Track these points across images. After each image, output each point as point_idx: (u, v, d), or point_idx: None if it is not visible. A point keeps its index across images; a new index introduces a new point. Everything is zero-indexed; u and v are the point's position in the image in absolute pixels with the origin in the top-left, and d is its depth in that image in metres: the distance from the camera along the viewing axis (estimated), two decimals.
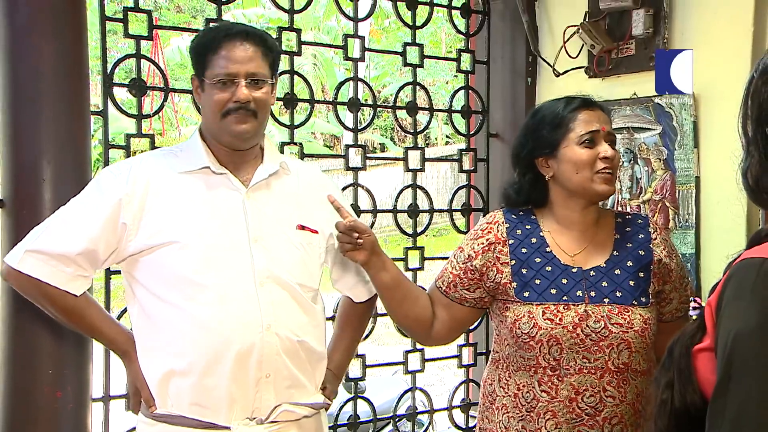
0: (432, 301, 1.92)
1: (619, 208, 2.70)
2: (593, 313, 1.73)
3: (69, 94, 2.11)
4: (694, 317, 1.09)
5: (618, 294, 1.76)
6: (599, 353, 1.72)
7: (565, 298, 1.76)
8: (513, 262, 1.82)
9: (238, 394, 1.70)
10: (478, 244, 1.86)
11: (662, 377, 1.06)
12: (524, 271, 1.80)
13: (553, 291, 1.77)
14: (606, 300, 1.75)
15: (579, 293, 1.76)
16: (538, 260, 1.81)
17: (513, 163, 1.91)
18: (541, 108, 1.89)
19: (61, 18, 2.09)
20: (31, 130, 2.05)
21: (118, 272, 2.33)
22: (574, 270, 1.79)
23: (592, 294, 1.76)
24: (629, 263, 1.79)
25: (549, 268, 1.80)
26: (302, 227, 1.83)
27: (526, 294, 1.79)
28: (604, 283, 1.77)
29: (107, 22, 2.34)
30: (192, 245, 1.70)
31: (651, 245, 1.81)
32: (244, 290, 1.71)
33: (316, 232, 1.85)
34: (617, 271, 1.78)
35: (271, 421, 1.74)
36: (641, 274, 1.78)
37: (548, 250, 1.82)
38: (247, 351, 1.69)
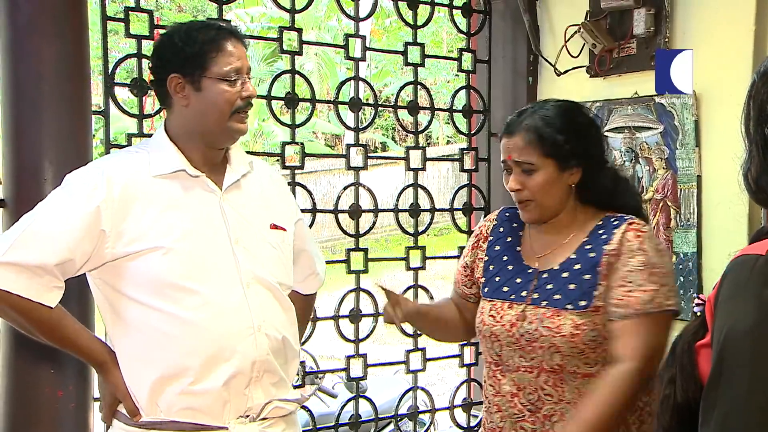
0: (453, 300, 2.02)
1: None
2: (530, 314, 1.76)
3: (70, 94, 2.11)
4: (699, 314, 1.10)
5: (556, 297, 1.74)
6: (533, 353, 1.74)
7: (512, 297, 1.81)
8: (486, 258, 1.91)
9: (232, 395, 1.70)
10: (471, 242, 1.98)
11: (665, 373, 1.07)
12: (491, 267, 1.89)
13: (505, 289, 1.83)
14: (544, 302, 1.75)
15: (524, 293, 1.79)
16: (505, 258, 1.88)
17: None
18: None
19: (62, 18, 2.09)
20: (33, 130, 2.06)
21: None
22: (530, 271, 1.81)
23: (535, 296, 1.77)
24: (577, 266, 1.75)
25: (510, 267, 1.85)
26: (275, 226, 1.83)
27: (486, 290, 1.87)
28: (550, 286, 1.76)
29: (108, 21, 2.35)
30: (176, 250, 1.67)
31: (605, 246, 1.73)
32: (233, 293, 1.71)
33: (285, 230, 1.86)
34: (565, 274, 1.76)
35: (263, 418, 1.75)
36: (586, 277, 1.73)
37: (517, 249, 1.87)
38: (242, 354, 1.69)
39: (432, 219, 3.00)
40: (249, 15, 15.26)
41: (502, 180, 3.07)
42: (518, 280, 1.82)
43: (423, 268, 2.93)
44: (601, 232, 1.78)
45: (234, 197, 1.78)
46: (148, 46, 2.27)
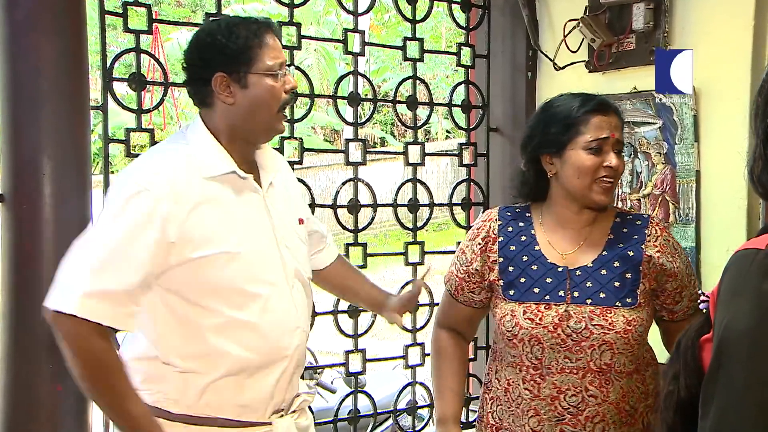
0: (444, 310, 2.00)
1: (619, 203, 2.70)
2: (574, 313, 1.73)
3: (68, 89, 2.11)
4: (704, 310, 1.10)
5: (601, 295, 1.74)
6: (581, 353, 1.72)
7: (547, 297, 1.76)
8: (501, 259, 1.84)
9: (277, 392, 1.73)
10: (476, 245, 1.89)
11: (669, 369, 1.07)
12: (510, 269, 1.82)
13: (536, 290, 1.78)
14: (588, 301, 1.74)
15: (561, 293, 1.76)
16: (525, 258, 1.82)
17: (521, 153, 1.90)
18: (554, 102, 1.83)
19: (61, 13, 2.09)
20: (31, 125, 2.05)
21: None
22: (560, 269, 1.78)
23: (575, 294, 1.75)
24: (616, 264, 1.77)
25: (535, 267, 1.80)
26: (301, 220, 1.86)
27: (511, 292, 1.81)
28: (589, 284, 1.76)
29: (107, 16, 2.34)
30: (239, 255, 1.65)
31: (643, 246, 1.78)
32: (284, 293, 1.73)
33: (303, 221, 1.89)
34: (603, 272, 1.77)
35: (292, 411, 1.79)
36: (628, 275, 1.75)
37: (536, 248, 1.82)
38: (289, 355, 1.73)
39: (431, 214, 3.00)
40: (245, 11, 15.23)
41: (500, 175, 3.08)
42: (548, 280, 1.78)
43: (422, 263, 2.93)
44: (625, 230, 1.81)
45: (272, 196, 1.79)
46: (146, 41, 2.26)
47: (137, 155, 2.40)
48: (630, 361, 1.75)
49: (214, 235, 1.63)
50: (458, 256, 1.93)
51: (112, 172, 2.20)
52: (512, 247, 1.84)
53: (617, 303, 1.73)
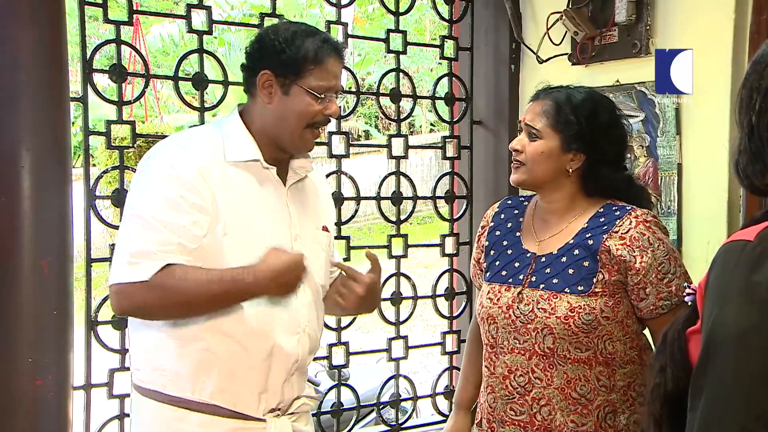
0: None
1: None
2: (526, 296, 1.80)
3: (48, 81, 2.09)
4: (690, 303, 1.10)
5: (554, 281, 1.78)
6: (527, 335, 1.78)
7: (510, 280, 1.85)
8: (486, 243, 1.96)
9: (270, 389, 1.73)
10: (478, 234, 2.02)
11: (656, 362, 1.07)
12: (492, 252, 1.93)
13: (503, 273, 1.87)
14: (542, 285, 1.79)
15: (521, 277, 1.83)
16: (504, 243, 1.92)
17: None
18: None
19: (39, 3, 2.07)
20: (10, 117, 2.03)
21: (99, 260, 2.33)
22: (528, 255, 1.85)
23: (533, 279, 1.81)
24: (576, 251, 1.79)
25: (510, 251, 1.89)
26: (325, 228, 1.89)
27: (487, 274, 1.91)
28: (548, 270, 1.80)
29: (86, 6, 2.31)
30: (245, 241, 1.67)
31: (605, 236, 1.76)
32: None
33: (329, 232, 1.93)
34: (563, 259, 1.79)
35: (290, 413, 1.79)
36: (586, 263, 1.76)
37: (517, 234, 1.91)
38: (287, 352, 1.73)
39: (414, 207, 3.00)
40: (229, 4, 15.12)
41: (484, 168, 3.09)
42: (516, 264, 1.86)
43: (405, 256, 2.93)
44: (602, 220, 1.81)
45: (295, 195, 1.81)
46: (127, 33, 2.24)
47: (118, 148, 2.39)
48: (576, 348, 1.74)
49: (224, 218, 1.66)
50: (474, 249, 2.06)
51: (93, 165, 2.18)
52: (498, 232, 1.95)
53: (566, 289, 1.76)
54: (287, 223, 1.77)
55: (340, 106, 2.82)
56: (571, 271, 1.77)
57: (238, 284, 1.62)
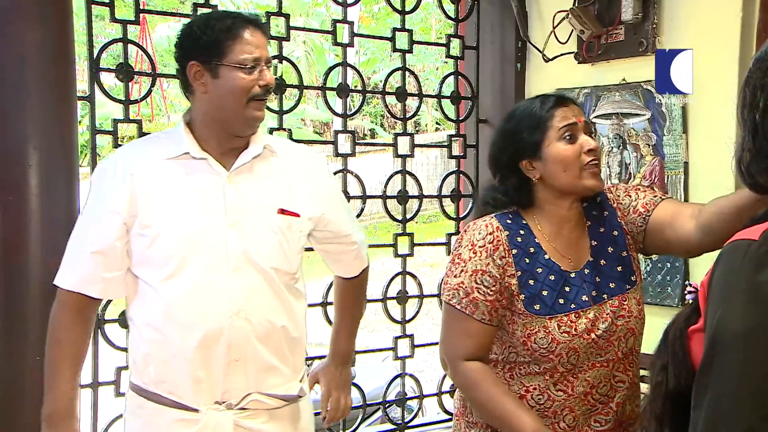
0: (473, 342, 1.75)
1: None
2: (599, 314, 1.73)
3: (55, 80, 2.10)
4: (691, 301, 1.09)
5: (612, 285, 1.76)
6: (609, 347, 1.73)
7: (573, 306, 1.73)
8: (519, 273, 1.74)
9: (204, 377, 1.72)
10: (497, 261, 1.74)
11: (657, 360, 1.06)
12: (531, 282, 1.73)
13: (561, 301, 1.73)
14: (605, 296, 1.75)
15: (584, 298, 1.74)
16: (539, 270, 1.75)
17: (493, 169, 1.85)
18: (515, 111, 1.83)
19: (46, 2, 2.07)
20: (17, 116, 2.04)
21: None
22: (573, 275, 1.75)
23: (594, 294, 1.75)
24: (610, 249, 1.78)
25: (552, 277, 1.74)
26: (282, 211, 1.82)
27: (537, 307, 1.72)
28: (598, 278, 1.76)
29: (93, 6, 2.32)
30: (168, 231, 1.72)
31: (618, 219, 1.80)
32: (217, 275, 1.73)
33: (298, 215, 1.83)
34: (603, 262, 1.77)
35: (241, 408, 1.76)
36: (623, 254, 1.79)
37: (546, 257, 1.76)
38: (213, 336, 1.71)
39: (420, 206, 3.00)
40: (235, 4, 15.15)
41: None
42: (567, 289, 1.74)
43: (411, 254, 2.93)
44: (594, 213, 1.82)
45: (241, 179, 1.79)
46: (134, 32, 2.25)
47: None
48: (640, 334, 1.79)
49: (151, 212, 1.73)
50: (476, 279, 1.74)
51: None
52: (527, 260, 1.75)
53: (627, 287, 1.77)
54: (221, 210, 1.75)
55: (345, 106, 2.83)
56: (619, 268, 1.78)
57: None
